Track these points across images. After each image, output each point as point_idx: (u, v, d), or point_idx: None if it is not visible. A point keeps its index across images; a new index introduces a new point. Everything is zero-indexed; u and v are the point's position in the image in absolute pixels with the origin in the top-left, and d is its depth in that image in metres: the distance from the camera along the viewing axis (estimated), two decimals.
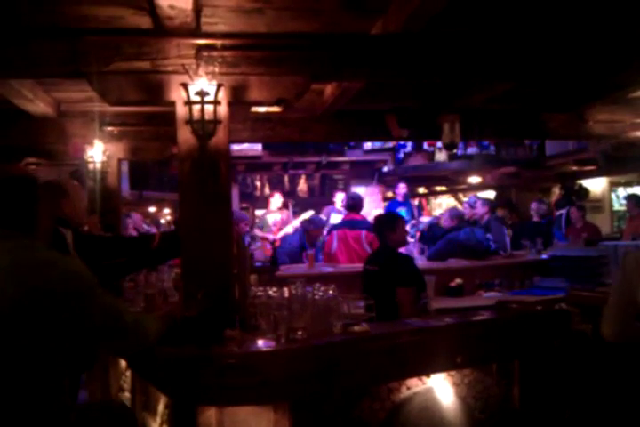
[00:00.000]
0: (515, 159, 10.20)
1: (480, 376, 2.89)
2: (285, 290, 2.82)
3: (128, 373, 2.90)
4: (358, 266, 4.32)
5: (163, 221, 13.18)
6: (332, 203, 8.19)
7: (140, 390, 2.81)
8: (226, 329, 2.63)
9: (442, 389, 2.77)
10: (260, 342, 2.59)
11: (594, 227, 7.72)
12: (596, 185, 10.50)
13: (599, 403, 2.89)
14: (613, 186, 10.64)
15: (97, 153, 5.21)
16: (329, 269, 5.46)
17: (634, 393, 2.29)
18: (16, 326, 1.64)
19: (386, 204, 9.86)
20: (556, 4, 3.32)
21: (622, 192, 10.35)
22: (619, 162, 8.23)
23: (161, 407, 2.57)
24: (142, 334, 2.08)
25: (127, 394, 2.90)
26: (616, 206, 10.71)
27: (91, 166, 5.20)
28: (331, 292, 2.84)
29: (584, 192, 9.33)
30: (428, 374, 2.77)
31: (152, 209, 14.13)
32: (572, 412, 2.94)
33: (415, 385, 2.74)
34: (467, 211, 7.37)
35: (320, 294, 2.81)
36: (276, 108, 4.57)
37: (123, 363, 2.84)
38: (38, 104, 4.67)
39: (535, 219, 7.97)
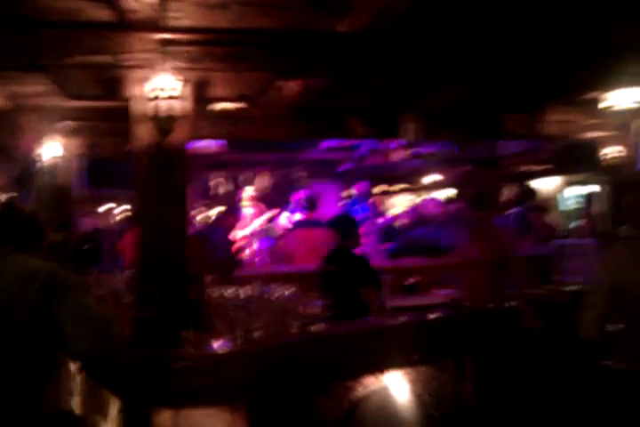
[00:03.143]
0: (471, 158, 10.37)
1: (436, 373, 2.94)
2: (242, 290, 2.81)
3: (79, 376, 2.84)
4: (315, 265, 4.34)
5: (118, 218, 12.92)
6: (290, 201, 8.18)
7: (92, 393, 2.76)
8: (181, 331, 2.61)
9: (398, 386, 2.80)
10: (217, 344, 2.57)
11: (551, 226, 7.88)
12: (545, 185, 10.75)
13: (548, 398, 2.97)
14: (562, 185, 10.93)
15: (52, 149, 5.06)
16: (286, 269, 5.46)
17: (582, 389, 2.36)
18: (30, 321, 1.98)
19: (344, 203, 9.89)
20: (514, 7, 3.39)
21: (571, 192, 10.62)
22: (570, 162, 8.45)
23: (114, 411, 2.53)
24: (112, 333, 2.10)
25: (77, 398, 2.84)
26: (564, 206, 11.00)
27: (45, 162, 5.05)
28: (287, 292, 2.85)
29: (531, 193, 9.56)
30: (384, 372, 2.80)
31: (110, 206, 13.84)
32: (522, 407, 3.01)
33: (372, 383, 2.77)
34: (424, 209, 7.46)
35: (277, 294, 2.81)
36: (238, 105, 4.54)
37: (72, 366, 2.78)
38: None
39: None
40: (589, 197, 7.56)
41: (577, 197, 9.65)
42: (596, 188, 10.15)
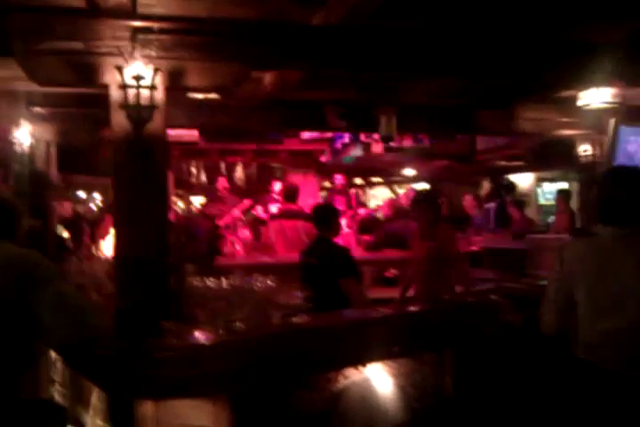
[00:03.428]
0: (448, 153, 10.45)
1: (417, 366, 2.96)
2: (224, 280, 2.79)
3: (59, 364, 2.80)
4: (297, 256, 4.33)
5: (92, 206, 12.74)
6: (269, 191, 8.15)
7: (72, 383, 2.72)
8: (162, 321, 2.58)
9: (379, 378, 2.82)
10: (198, 334, 2.55)
11: (530, 220, 7.99)
12: (523, 180, 10.90)
13: (527, 391, 3.02)
14: (540, 181, 11.09)
15: (24, 135, 4.96)
16: (267, 260, 5.45)
17: (561, 382, 2.39)
18: (7, 309, 1.94)
19: (324, 194, 9.89)
20: (489, 4, 3.41)
21: (548, 187, 10.79)
22: (545, 158, 8.58)
23: (94, 400, 2.50)
24: (91, 322, 2.07)
25: (58, 387, 2.80)
26: (542, 201, 11.17)
27: (17, 149, 4.95)
28: (269, 282, 2.84)
29: (512, 187, 9.67)
30: (365, 364, 2.81)
31: (81, 194, 13.63)
32: (501, 400, 3.06)
33: (353, 375, 2.78)
34: (403, 202, 7.50)
35: (259, 284, 2.79)
36: (214, 95, 4.49)
37: (53, 354, 2.74)
38: None
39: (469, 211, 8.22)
40: (566, 193, 7.67)
41: (553, 192, 9.79)
42: (566, 185, 10.37)
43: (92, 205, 12.85)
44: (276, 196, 7.71)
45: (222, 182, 8.04)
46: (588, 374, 2.24)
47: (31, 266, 2.02)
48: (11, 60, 3.23)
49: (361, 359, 2.79)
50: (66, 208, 7.73)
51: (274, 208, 7.13)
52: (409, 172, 11.33)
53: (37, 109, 5.00)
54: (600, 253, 2.27)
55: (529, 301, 3.13)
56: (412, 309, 3.30)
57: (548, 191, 10.83)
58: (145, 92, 3.16)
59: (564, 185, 10.50)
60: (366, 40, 3.59)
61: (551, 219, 8.49)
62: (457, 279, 4.30)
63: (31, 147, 4.99)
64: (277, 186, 7.82)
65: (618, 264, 2.21)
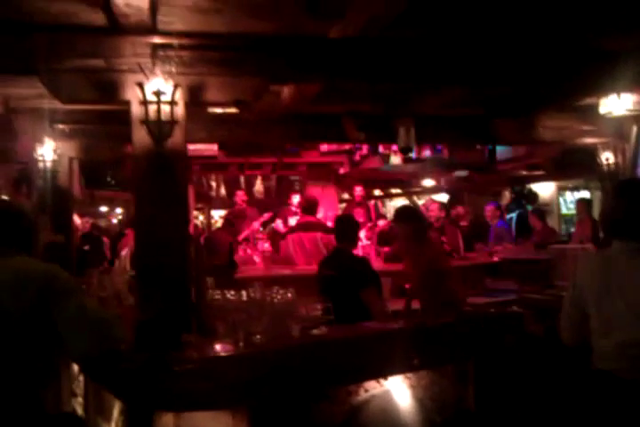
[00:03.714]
0: (467, 163, 10.40)
1: (436, 378, 2.93)
2: (243, 293, 2.79)
3: (81, 377, 2.82)
4: (315, 268, 4.33)
5: (115, 220, 12.91)
6: (288, 204, 8.17)
7: (94, 395, 2.74)
8: (183, 333, 2.60)
9: (399, 391, 2.79)
10: (218, 347, 2.56)
11: (552, 230, 7.88)
12: (544, 189, 10.80)
13: (550, 404, 2.97)
14: (561, 190, 10.98)
15: (47, 151, 5.06)
16: (287, 272, 5.46)
17: (586, 394, 2.35)
18: (29, 323, 1.96)
19: (343, 206, 9.89)
20: (509, 14, 3.41)
21: (570, 196, 10.68)
22: (566, 167, 8.50)
23: (116, 413, 2.51)
24: (112, 334, 2.10)
25: (80, 399, 2.83)
26: (564, 210, 11.04)
27: (41, 165, 5.05)
28: (289, 295, 2.83)
29: (533, 196, 9.59)
30: (385, 377, 2.79)
31: (104, 209, 13.83)
32: (525, 412, 3.01)
33: (373, 388, 2.76)
34: (424, 212, 7.46)
35: (278, 297, 2.79)
36: (233, 109, 4.54)
37: (75, 367, 2.77)
38: None
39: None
40: (587, 202, 7.58)
41: (574, 202, 9.68)
42: (588, 194, 10.24)
43: (114, 220, 13.02)
44: (294, 208, 7.73)
45: (241, 196, 8.08)
46: (606, 384, 2.20)
47: (51, 279, 2.04)
48: (34, 78, 3.31)
49: (381, 372, 2.77)
50: (82, 222, 7.84)
51: (293, 221, 7.14)
52: (428, 182, 11.29)
53: (60, 126, 5.09)
54: (607, 267, 2.24)
55: (551, 311, 3.09)
56: (434, 321, 3.27)
57: (570, 201, 10.72)
58: (165, 108, 3.20)
59: (585, 194, 10.37)
60: (384, 51, 3.60)
61: (574, 228, 8.38)
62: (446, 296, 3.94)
63: (54, 163, 5.08)
64: (296, 198, 7.83)
65: (625, 279, 2.17)
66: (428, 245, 4.15)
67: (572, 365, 2.70)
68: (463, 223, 7.94)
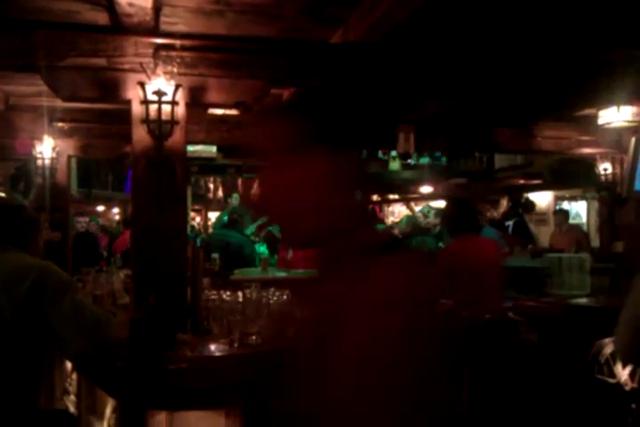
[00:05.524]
0: (465, 171, 10.45)
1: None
2: (239, 294, 2.79)
3: (74, 375, 2.81)
4: (313, 271, 4.32)
5: (111, 219, 12.88)
6: None
7: (87, 393, 2.73)
8: (178, 333, 2.59)
9: None
10: (213, 347, 2.55)
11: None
12: (541, 199, 10.83)
13: (543, 410, 2.97)
14: (558, 200, 11.01)
15: (46, 149, 5.05)
16: (283, 274, 5.45)
17: (577, 402, 2.35)
18: (20, 319, 1.97)
19: None
20: (509, 24, 3.43)
21: (567, 206, 10.71)
22: (564, 177, 8.52)
23: (108, 411, 2.50)
24: (105, 332, 2.09)
25: (72, 397, 2.81)
26: None
27: (39, 163, 5.04)
28: (285, 296, 2.83)
29: (531, 205, 9.61)
30: None
31: (100, 208, 13.80)
32: (517, 417, 3.01)
33: None
34: (420, 219, 7.49)
35: (274, 298, 2.79)
36: (233, 111, 4.55)
37: (68, 365, 2.76)
38: None
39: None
40: (565, 213, 7.60)
41: (572, 211, 9.71)
42: (585, 203, 10.27)
43: (111, 219, 12.99)
44: None
45: (241, 198, 8.09)
46: (612, 394, 2.19)
47: (44, 276, 2.04)
48: (35, 75, 3.30)
49: None
50: (84, 222, 7.83)
51: None
52: (426, 189, 11.32)
53: (60, 124, 5.09)
54: None
55: (545, 319, 3.10)
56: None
57: (571, 209, 10.75)
58: (166, 108, 3.20)
59: (582, 204, 10.39)
60: (385, 58, 3.62)
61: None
62: None
63: (52, 161, 5.07)
64: None
65: None
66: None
67: (567, 373, 2.71)
68: None
